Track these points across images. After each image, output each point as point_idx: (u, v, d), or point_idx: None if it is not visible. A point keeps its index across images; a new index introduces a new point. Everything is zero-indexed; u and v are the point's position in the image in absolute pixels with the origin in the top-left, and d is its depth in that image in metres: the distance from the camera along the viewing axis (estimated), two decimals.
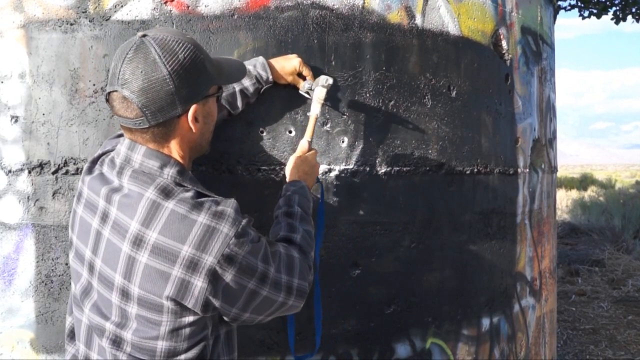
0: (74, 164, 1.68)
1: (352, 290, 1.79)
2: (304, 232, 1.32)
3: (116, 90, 1.09)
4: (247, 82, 1.58)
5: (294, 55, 1.66)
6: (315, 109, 1.63)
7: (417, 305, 1.90)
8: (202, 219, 1.06)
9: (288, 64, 1.62)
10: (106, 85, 1.65)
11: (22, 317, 1.70)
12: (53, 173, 1.68)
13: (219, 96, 1.23)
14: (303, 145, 1.58)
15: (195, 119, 1.14)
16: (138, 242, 1.06)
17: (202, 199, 1.10)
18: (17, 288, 1.70)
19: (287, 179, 1.52)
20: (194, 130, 1.15)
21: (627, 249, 7.92)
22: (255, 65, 1.60)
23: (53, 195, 1.69)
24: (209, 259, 1.05)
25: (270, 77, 1.61)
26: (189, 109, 1.12)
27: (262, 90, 1.63)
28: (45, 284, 1.69)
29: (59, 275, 1.69)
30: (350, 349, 1.80)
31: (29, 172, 1.69)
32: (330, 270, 1.68)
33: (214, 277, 1.06)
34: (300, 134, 1.71)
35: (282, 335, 1.71)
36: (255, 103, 1.68)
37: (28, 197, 1.70)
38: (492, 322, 2.17)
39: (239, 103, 1.60)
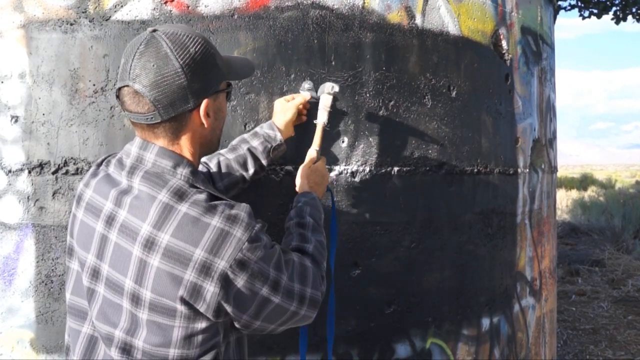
0: (74, 164, 1.68)
1: (352, 291, 1.79)
2: (316, 242, 1.30)
3: (127, 85, 1.07)
4: (255, 142, 1.58)
5: (283, 106, 1.63)
6: (322, 117, 1.62)
7: (417, 306, 1.90)
8: (215, 222, 1.04)
9: (288, 114, 1.61)
10: (106, 86, 1.66)
11: (22, 317, 1.70)
12: (53, 173, 1.68)
13: (229, 92, 1.23)
14: (311, 154, 1.57)
15: (207, 114, 1.13)
16: (150, 244, 1.04)
17: (216, 202, 1.08)
18: (17, 288, 1.70)
19: (298, 190, 1.51)
20: (205, 125, 1.14)
21: (627, 249, 7.93)
22: (262, 126, 1.61)
23: (53, 195, 1.69)
24: (221, 264, 1.03)
25: (279, 134, 1.59)
26: (200, 104, 1.11)
27: (274, 148, 1.60)
28: (45, 284, 1.69)
29: (59, 275, 1.69)
30: (351, 349, 1.80)
31: (29, 172, 1.69)
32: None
33: (225, 282, 1.04)
34: (300, 134, 1.71)
35: (282, 335, 1.71)
36: (254, 103, 1.68)
37: (28, 197, 1.70)
38: (492, 322, 2.17)
39: (250, 164, 1.58)
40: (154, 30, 1.09)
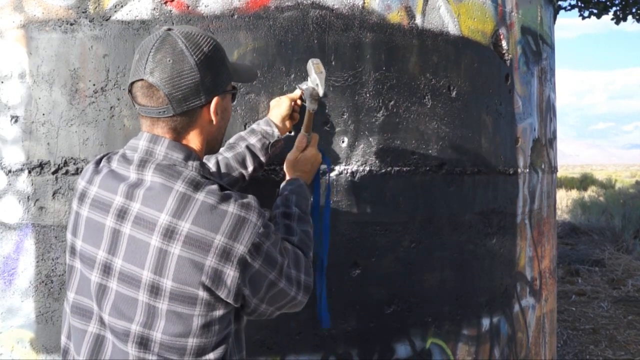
0: (74, 164, 1.68)
1: (352, 290, 1.79)
2: (301, 234, 1.33)
3: (142, 79, 1.11)
4: (253, 139, 1.59)
5: (277, 101, 1.66)
6: (311, 105, 1.61)
7: (417, 306, 1.90)
8: (232, 209, 1.08)
9: (283, 107, 1.63)
10: (106, 86, 1.66)
11: (22, 317, 1.71)
12: (53, 173, 1.68)
13: (234, 94, 1.27)
14: (300, 140, 1.57)
15: (216, 112, 1.17)
16: (170, 233, 1.06)
17: (228, 192, 1.12)
18: (17, 288, 1.71)
19: (286, 176, 1.53)
20: (214, 122, 1.18)
21: (627, 249, 7.93)
22: (259, 122, 1.63)
23: (53, 195, 1.69)
24: (240, 248, 1.07)
25: (276, 130, 1.61)
26: (211, 101, 1.16)
27: (272, 144, 1.61)
28: (45, 284, 1.69)
29: (59, 275, 1.69)
30: (350, 349, 1.80)
31: (29, 172, 1.69)
32: (330, 270, 1.68)
33: (244, 266, 1.08)
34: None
35: (282, 335, 1.71)
36: (254, 103, 1.68)
37: (28, 197, 1.70)
38: (492, 322, 2.17)
39: (249, 162, 1.59)
40: (169, 29, 1.14)
